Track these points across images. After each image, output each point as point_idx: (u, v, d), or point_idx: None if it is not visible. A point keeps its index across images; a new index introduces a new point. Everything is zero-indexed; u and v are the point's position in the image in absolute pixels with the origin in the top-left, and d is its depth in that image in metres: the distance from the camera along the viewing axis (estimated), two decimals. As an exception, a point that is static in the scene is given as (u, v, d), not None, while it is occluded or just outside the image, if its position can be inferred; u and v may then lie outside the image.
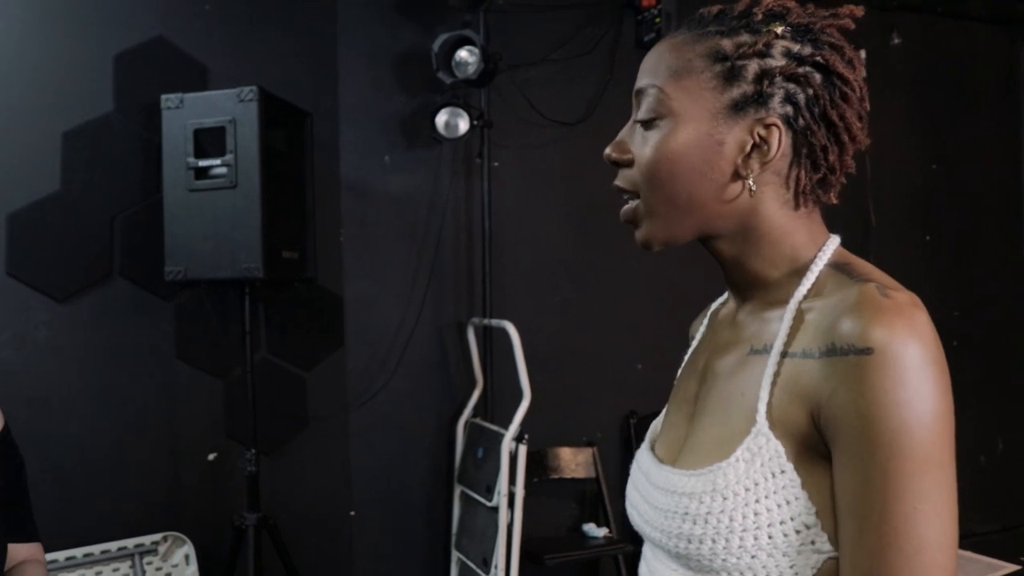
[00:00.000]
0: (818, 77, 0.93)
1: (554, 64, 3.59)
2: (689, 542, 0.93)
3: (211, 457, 3.10)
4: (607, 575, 3.71)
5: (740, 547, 0.89)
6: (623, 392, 3.74)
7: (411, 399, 3.49)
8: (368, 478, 3.44)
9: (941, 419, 0.82)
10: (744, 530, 0.88)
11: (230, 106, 2.74)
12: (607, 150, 1.01)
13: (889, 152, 4.11)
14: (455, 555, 3.44)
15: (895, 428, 0.80)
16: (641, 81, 0.99)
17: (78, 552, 2.64)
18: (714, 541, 0.90)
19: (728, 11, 0.97)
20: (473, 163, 3.56)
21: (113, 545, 2.71)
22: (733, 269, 1.01)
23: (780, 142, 0.92)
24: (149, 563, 2.75)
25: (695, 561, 0.94)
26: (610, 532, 3.60)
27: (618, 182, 1.01)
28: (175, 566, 2.79)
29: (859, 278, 0.90)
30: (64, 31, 2.80)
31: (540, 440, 3.45)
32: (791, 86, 0.92)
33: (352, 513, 3.40)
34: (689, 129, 0.94)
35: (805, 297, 0.93)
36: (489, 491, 3.17)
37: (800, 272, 0.95)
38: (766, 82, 0.92)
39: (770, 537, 0.88)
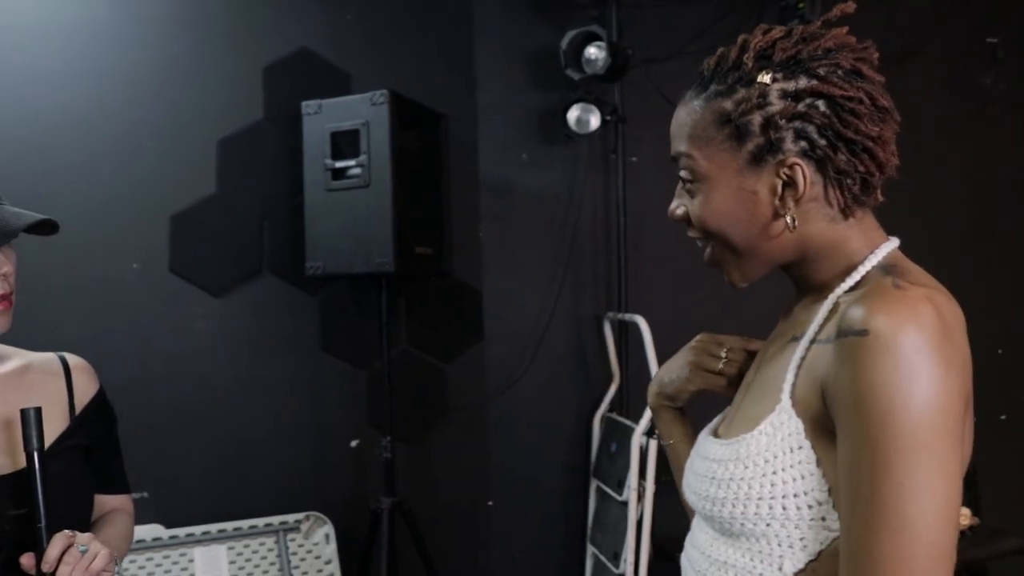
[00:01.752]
0: (821, 104, 0.98)
1: (690, 57, 3.53)
2: (713, 504, 1.02)
3: (354, 443, 3.27)
4: None
5: (756, 514, 0.98)
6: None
7: (549, 392, 3.54)
8: (506, 469, 3.52)
9: (935, 405, 0.84)
10: (760, 498, 0.97)
11: (364, 110, 2.89)
12: (670, 210, 1.11)
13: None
14: (589, 549, 3.45)
15: (884, 407, 0.85)
16: (673, 147, 1.08)
17: (229, 525, 2.86)
18: (733, 505, 0.99)
19: (723, 61, 1.04)
20: (609, 158, 3.56)
21: (260, 521, 2.91)
22: (798, 279, 1.09)
23: (805, 176, 0.98)
24: (292, 540, 2.93)
25: (718, 523, 1.04)
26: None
27: (690, 232, 1.11)
28: (316, 544, 2.96)
29: (896, 275, 0.95)
30: (218, 47, 3.04)
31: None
32: (797, 123, 0.98)
33: (490, 503, 3.49)
34: (722, 189, 1.03)
35: (846, 293, 1.00)
36: (620, 485, 3.17)
37: (850, 271, 1.02)
38: (771, 131, 0.98)
39: (784, 508, 0.96)
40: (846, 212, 1.01)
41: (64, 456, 1.40)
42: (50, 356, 1.52)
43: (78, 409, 1.48)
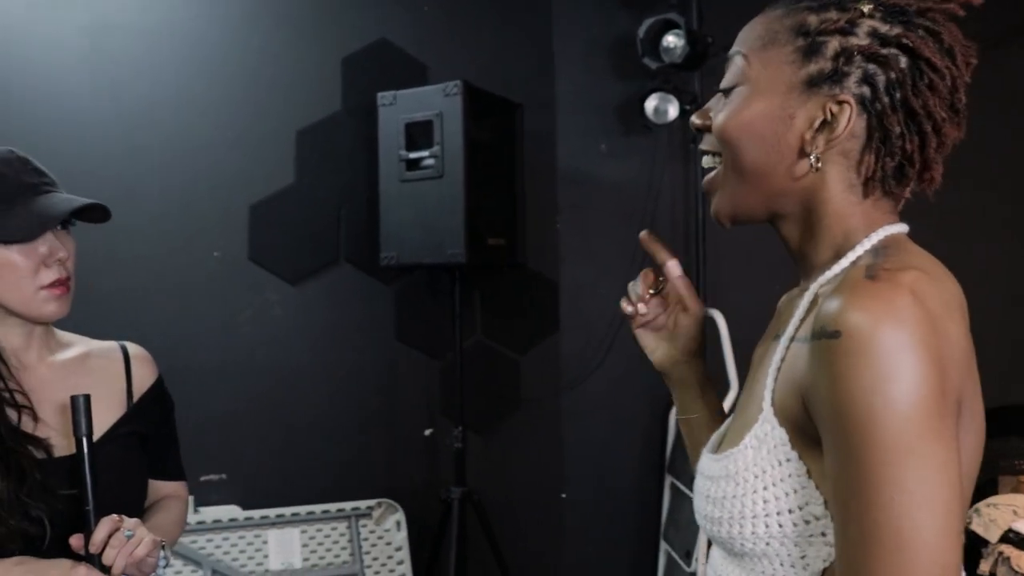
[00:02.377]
0: (903, 61, 0.89)
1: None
2: (712, 524, 0.96)
3: (427, 432, 3.30)
4: None
5: (753, 533, 0.90)
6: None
7: (624, 385, 3.50)
8: (580, 462, 3.50)
9: (921, 406, 0.75)
10: (755, 516, 0.89)
11: (437, 101, 2.90)
12: (692, 116, 1.03)
13: None
14: (662, 546, 3.41)
15: (863, 415, 0.76)
16: (733, 48, 0.99)
17: (302, 509, 2.92)
18: (730, 525, 0.92)
19: None
20: (688, 149, 3.49)
21: (333, 506, 2.97)
22: (796, 253, 1.00)
23: (850, 120, 0.89)
24: (364, 526, 2.98)
25: (720, 543, 0.97)
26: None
27: (702, 144, 1.03)
28: (387, 530, 3.00)
29: (879, 259, 0.86)
30: (297, 40, 3.09)
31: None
32: (871, 67, 0.89)
33: (563, 495, 3.47)
34: (763, 99, 0.94)
35: (829, 282, 0.91)
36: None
37: (840, 256, 0.92)
38: (843, 60, 0.89)
39: (780, 525, 0.88)
40: (868, 187, 0.92)
41: (120, 441, 1.44)
42: (111, 344, 1.56)
43: (136, 396, 1.52)
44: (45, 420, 1.38)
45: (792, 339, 0.90)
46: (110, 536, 1.26)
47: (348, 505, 2.99)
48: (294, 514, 2.91)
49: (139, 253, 2.88)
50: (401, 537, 3.01)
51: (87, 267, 2.78)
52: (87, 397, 1.30)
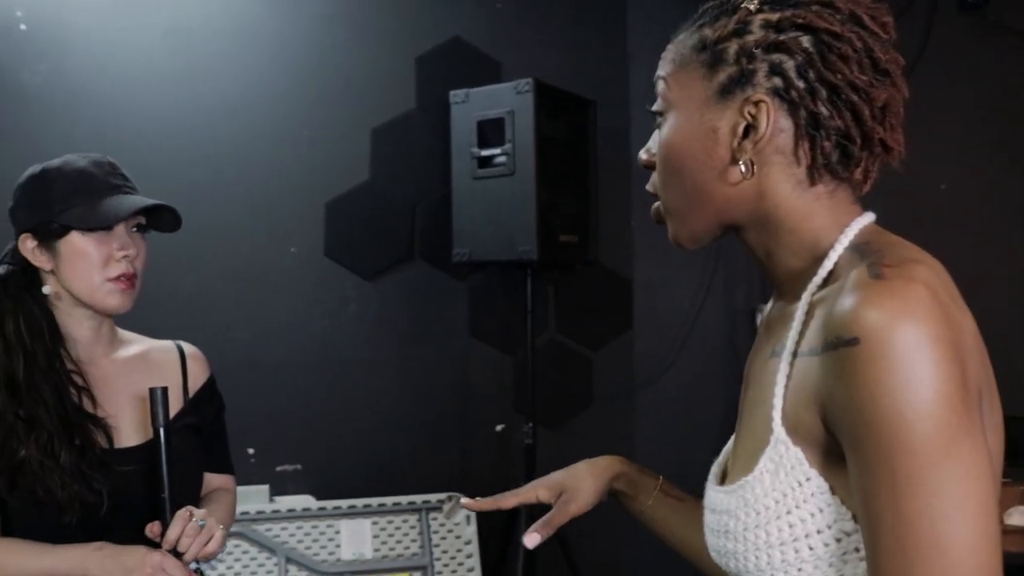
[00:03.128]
0: (805, 40, 0.87)
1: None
2: (735, 559, 0.91)
3: (499, 428, 3.32)
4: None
5: (784, 561, 0.86)
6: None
7: (698, 385, 3.46)
8: (652, 461, 3.43)
9: (948, 405, 0.72)
10: (782, 544, 0.85)
11: (509, 98, 2.91)
12: (640, 153, 1.03)
13: None
14: (736, 547, 3.35)
15: (892, 421, 0.73)
16: (656, 73, 0.99)
17: (374, 501, 2.97)
18: (757, 557, 0.88)
19: None
20: (767, 144, 3.42)
21: (404, 499, 3.00)
22: (765, 263, 0.97)
23: (769, 117, 0.87)
24: (434, 519, 3.01)
25: None
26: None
27: (648, 185, 1.02)
28: (456, 524, 3.03)
29: (869, 256, 0.83)
30: (372, 39, 3.13)
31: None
32: (774, 56, 0.88)
33: (635, 494, 3.44)
34: (685, 120, 0.93)
35: (820, 287, 0.87)
36: (767, 485, 3.05)
37: (820, 259, 0.89)
38: (745, 59, 0.89)
39: (811, 548, 0.84)
40: (812, 175, 0.89)
41: (178, 434, 1.51)
42: (168, 344, 1.65)
43: (191, 393, 1.60)
44: (109, 411, 1.46)
45: (795, 354, 0.86)
46: (184, 528, 1.33)
47: (419, 498, 3.02)
48: (366, 506, 2.96)
49: (220, 250, 2.96)
50: (471, 531, 3.03)
51: (171, 265, 2.90)
52: (165, 389, 1.38)
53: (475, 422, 3.31)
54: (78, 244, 1.43)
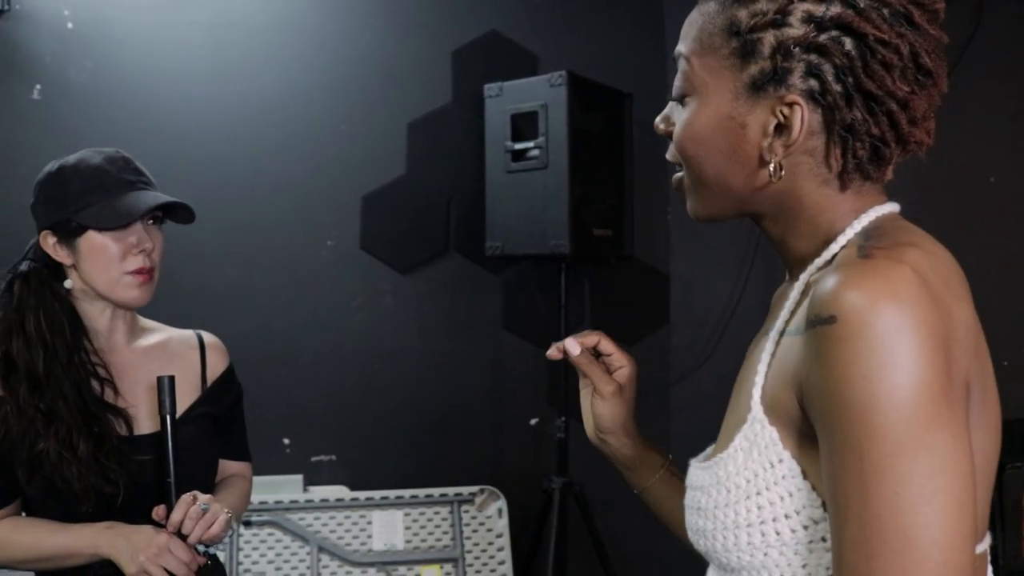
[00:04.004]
0: (847, 43, 0.81)
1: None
2: (704, 537, 0.90)
3: (533, 422, 3.32)
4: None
5: (749, 543, 0.84)
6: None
7: (735, 380, 3.41)
8: (688, 456, 3.43)
9: (926, 392, 0.69)
10: (749, 525, 0.83)
11: (543, 91, 2.90)
12: (656, 120, 0.98)
13: None
14: (773, 546, 3.31)
15: (864, 404, 0.70)
16: (677, 48, 0.94)
17: (406, 492, 2.99)
18: (724, 536, 0.86)
19: None
20: (808, 137, 3.36)
21: (436, 491, 3.03)
22: (778, 247, 0.94)
23: (803, 121, 0.83)
24: (466, 511, 3.02)
25: (714, 558, 0.90)
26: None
27: (668, 154, 0.98)
28: (488, 517, 3.04)
29: (871, 240, 0.80)
30: (408, 33, 3.15)
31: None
32: (813, 57, 0.82)
33: (671, 490, 3.42)
34: (711, 110, 0.88)
35: (820, 268, 0.85)
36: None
37: (828, 243, 0.86)
38: (781, 56, 0.82)
39: (777, 533, 0.82)
40: (844, 180, 0.85)
41: (194, 422, 1.56)
42: (189, 333, 1.69)
43: (209, 381, 1.63)
44: (129, 399, 1.50)
45: (782, 333, 0.85)
46: (187, 511, 1.36)
47: (451, 491, 3.04)
48: (398, 497, 2.99)
49: (258, 243, 3.01)
50: (502, 524, 3.04)
51: (210, 258, 2.95)
52: (171, 378, 1.41)
53: (508, 415, 3.31)
54: (96, 241, 1.47)
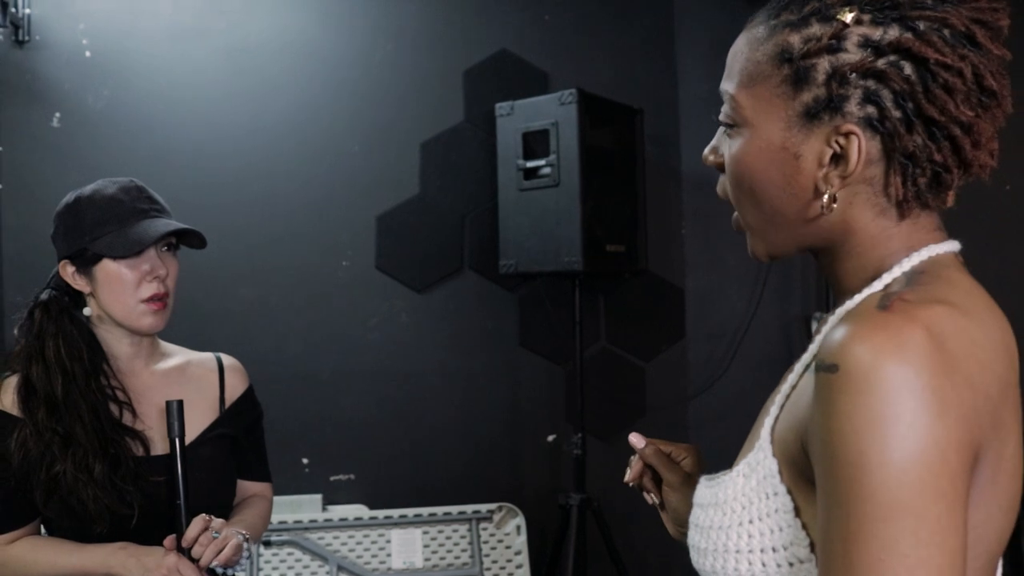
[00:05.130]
0: (907, 67, 0.77)
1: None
2: (697, 554, 0.90)
3: (550, 438, 3.32)
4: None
5: (736, 570, 0.83)
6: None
7: (751, 394, 3.38)
8: (707, 471, 3.43)
9: (922, 459, 0.67)
10: (738, 551, 0.83)
11: (553, 109, 2.92)
12: (705, 152, 0.95)
13: None
14: (794, 560, 3.29)
15: (854, 461, 0.68)
16: (722, 83, 0.90)
17: (425, 510, 3.00)
18: (714, 558, 0.86)
19: None
20: (821, 149, 3.37)
21: (455, 508, 3.03)
22: (828, 277, 0.91)
23: (860, 151, 0.79)
24: (484, 528, 3.03)
25: None
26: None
27: (718, 188, 0.95)
28: (507, 534, 3.04)
29: (909, 286, 0.78)
30: (420, 54, 3.18)
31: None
32: (870, 83, 0.78)
33: (690, 505, 3.41)
34: (763, 142, 0.84)
35: (858, 304, 0.81)
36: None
37: (875, 280, 0.83)
38: (836, 83, 0.78)
39: (763, 564, 0.81)
40: (903, 209, 0.81)
41: (212, 443, 1.58)
42: (208, 355, 1.71)
43: (228, 403, 1.65)
44: (147, 422, 1.52)
45: (807, 367, 0.83)
46: (200, 534, 1.38)
47: (470, 508, 3.05)
48: (417, 515, 3.00)
49: (274, 264, 3.04)
50: (521, 541, 3.04)
51: (228, 279, 2.98)
52: (180, 402, 1.43)
53: (525, 432, 3.32)
54: (111, 269, 1.50)
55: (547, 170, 2.93)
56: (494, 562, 3.00)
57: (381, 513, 2.98)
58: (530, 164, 2.97)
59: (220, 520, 1.43)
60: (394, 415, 3.17)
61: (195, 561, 1.38)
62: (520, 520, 3.07)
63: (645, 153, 3.23)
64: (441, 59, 3.20)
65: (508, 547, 3.03)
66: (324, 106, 3.11)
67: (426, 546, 2.96)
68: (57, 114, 2.91)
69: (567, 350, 3.26)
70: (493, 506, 3.07)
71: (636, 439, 1.17)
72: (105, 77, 2.94)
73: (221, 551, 1.38)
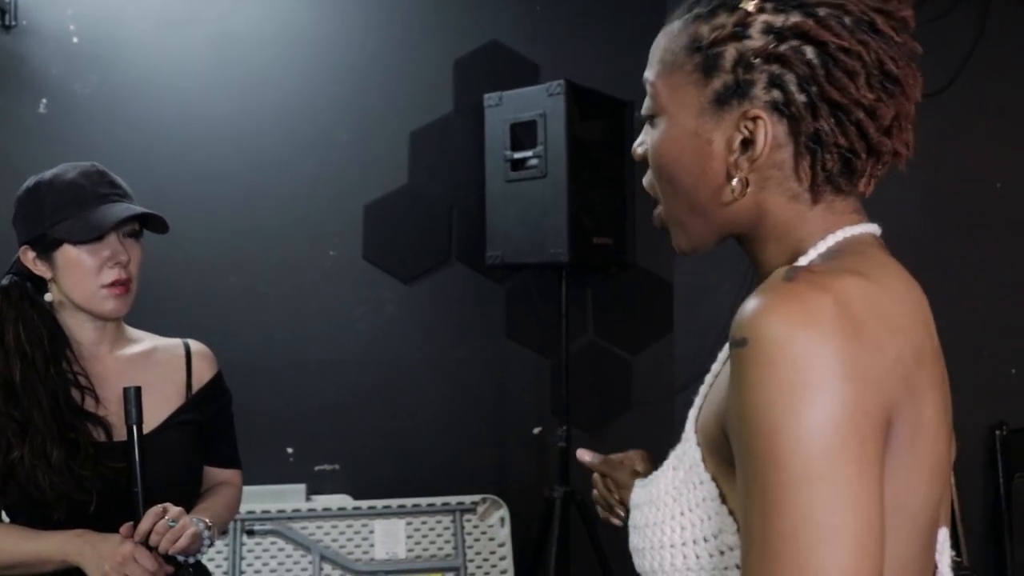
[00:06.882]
0: (808, 51, 0.79)
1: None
2: (636, 555, 0.90)
3: (536, 431, 3.32)
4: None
5: (672, 565, 0.83)
6: (990, 400, 3.27)
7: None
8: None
9: (833, 424, 0.66)
10: (673, 546, 0.83)
11: (541, 100, 2.91)
12: (634, 144, 0.97)
13: None
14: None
15: (768, 432, 0.68)
16: (645, 73, 0.92)
17: (408, 502, 3.00)
18: (652, 556, 0.86)
19: None
20: (811, 144, 3.35)
21: (439, 500, 3.03)
22: (755, 266, 0.93)
23: (767, 135, 0.81)
24: (468, 520, 3.03)
25: None
26: (964, 562, 3.18)
27: (644, 182, 0.97)
28: (490, 526, 3.04)
29: (813, 263, 0.79)
30: (409, 43, 3.17)
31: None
32: (774, 68, 0.80)
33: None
34: (678, 129, 0.87)
35: None
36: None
37: (793, 262, 0.83)
38: (742, 69, 0.81)
39: (697, 557, 0.81)
40: (815, 193, 0.83)
41: (177, 428, 1.58)
42: (176, 341, 1.70)
43: (195, 389, 1.64)
44: (109, 407, 1.52)
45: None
46: (152, 527, 1.37)
47: (453, 500, 3.05)
48: (400, 506, 3.00)
49: (261, 253, 3.04)
50: (504, 533, 3.04)
51: (213, 268, 2.98)
52: (138, 389, 1.42)
53: (511, 424, 3.31)
54: (71, 254, 1.49)
55: (534, 161, 2.92)
56: (477, 554, 3.00)
57: (365, 503, 2.98)
58: (517, 155, 2.95)
59: (178, 508, 1.41)
60: (379, 406, 3.17)
61: (153, 549, 1.38)
62: (504, 512, 3.06)
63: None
64: (431, 49, 3.19)
65: (492, 539, 3.03)
66: (313, 94, 3.10)
67: (409, 537, 2.96)
68: (44, 100, 2.90)
69: (553, 343, 3.26)
70: (477, 498, 3.07)
71: (583, 454, 1.24)
72: (93, 63, 2.93)
73: (177, 540, 1.37)
